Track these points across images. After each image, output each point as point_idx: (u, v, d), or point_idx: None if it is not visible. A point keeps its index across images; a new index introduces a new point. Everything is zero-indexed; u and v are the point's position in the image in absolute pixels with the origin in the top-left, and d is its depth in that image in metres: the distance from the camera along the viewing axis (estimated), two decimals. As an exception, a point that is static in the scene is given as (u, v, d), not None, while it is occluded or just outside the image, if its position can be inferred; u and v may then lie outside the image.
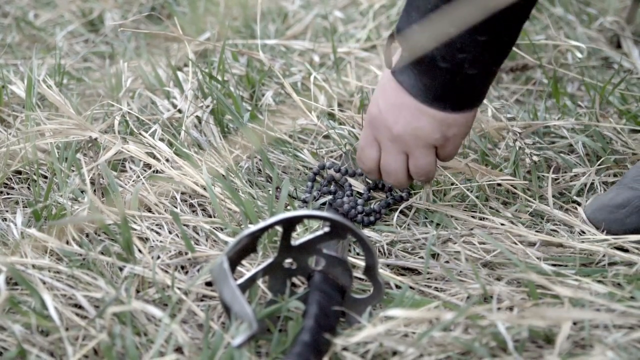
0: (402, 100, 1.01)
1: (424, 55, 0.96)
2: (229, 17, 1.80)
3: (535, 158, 1.21)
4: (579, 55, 1.35)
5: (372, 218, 1.14)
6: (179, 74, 1.40)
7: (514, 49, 1.52)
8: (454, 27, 0.93)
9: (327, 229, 0.92)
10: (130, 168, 1.20)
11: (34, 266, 0.96)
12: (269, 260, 0.94)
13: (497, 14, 0.91)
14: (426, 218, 1.13)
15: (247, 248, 0.91)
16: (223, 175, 1.17)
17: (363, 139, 1.08)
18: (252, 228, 0.89)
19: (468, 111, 1.01)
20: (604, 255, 1.03)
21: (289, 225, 0.92)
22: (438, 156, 1.06)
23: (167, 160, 1.19)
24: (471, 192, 1.17)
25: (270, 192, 1.11)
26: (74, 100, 1.38)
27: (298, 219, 0.92)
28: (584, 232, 1.10)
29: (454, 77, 0.97)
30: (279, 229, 0.94)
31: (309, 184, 1.17)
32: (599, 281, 0.98)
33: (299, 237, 1.01)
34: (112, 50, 1.64)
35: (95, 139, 1.17)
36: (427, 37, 0.95)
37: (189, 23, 1.73)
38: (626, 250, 1.05)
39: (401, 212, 1.15)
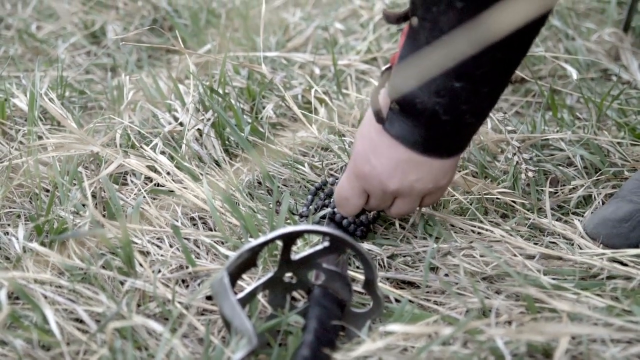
0: (397, 155, 0.99)
1: (423, 109, 0.94)
2: (230, 28, 1.81)
3: (530, 174, 1.22)
4: (574, 76, 1.36)
5: (359, 230, 1.14)
6: (181, 86, 1.41)
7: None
8: (459, 82, 0.91)
9: (326, 244, 0.93)
10: (132, 181, 1.21)
11: (35, 280, 0.97)
12: (269, 275, 0.94)
13: (498, 64, 0.91)
14: (425, 231, 1.14)
15: (247, 262, 0.92)
16: (223, 189, 1.18)
17: (349, 190, 1.05)
18: (253, 243, 0.90)
19: (461, 153, 1.02)
20: (602, 269, 1.03)
21: (289, 239, 0.93)
22: (422, 202, 1.06)
23: (168, 173, 1.20)
24: (471, 204, 1.17)
25: (271, 206, 1.12)
26: (76, 113, 1.39)
27: (298, 234, 0.93)
28: (581, 247, 1.10)
29: (454, 127, 0.96)
30: (279, 243, 0.94)
31: (309, 197, 1.18)
32: (598, 295, 0.99)
33: (299, 251, 1.02)
34: (114, 62, 1.65)
35: (97, 153, 1.18)
36: (428, 94, 0.93)
37: (191, 35, 1.74)
38: (625, 264, 1.05)
39: (400, 225, 1.15)
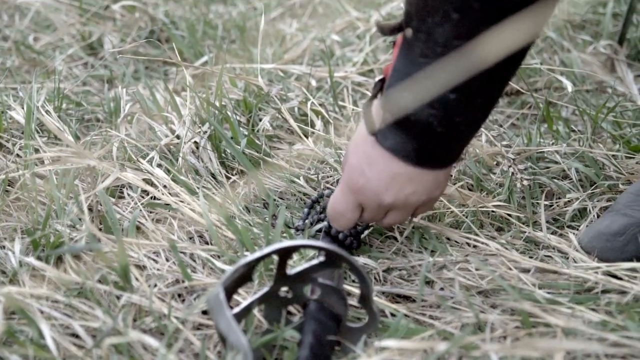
0: (392, 169, 0.98)
1: (417, 120, 0.94)
2: (227, 40, 1.81)
3: (525, 182, 1.22)
4: (570, 89, 1.36)
5: (354, 242, 1.14)
6: (178, 98, 1.41)
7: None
8: (453, 94, 0.91)
9: (322, 259, 0.93)
10: (128, 194, 1.21)
11: (31, 295, 0.97)
12: (265, 289, 0.95)
13: (494, 74, 0.91)
14: (421, 244, 1.14)
15: (243, 277, 0.92)
16: (220, 203, 1.18)
17: (343, 204, 1.04)
18: (248, 258, 0.90)
19: (454, 164, 1.02)
20: (596, 283, 1.03)
21: (285, 254, 0.93)
22: (414, 212, 1.06)
23: (165, 187, 1.20)
24: (466, 217, 1.18)
25: (267, 219, 1.12)
26: (73, 125, 1.39)
27: (294, 249, 0.93)
28: (576, 261, 1.11)
29: (448, 138, 0.96)
30: (275, 257, 0.95)
31: (306, 210, 1.18)
32: (592, 309, 0.99)
33: (295, 265, 1.02)
34: (111, 74, 1.65)
35: (94, 167, 1.18)
36: (422, 105, 0.93)
37: (187, 47, 1.74)
38: (619, 278, 1.06)
39: (394, 237, 1.16)
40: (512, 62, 0.93)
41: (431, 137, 0.95)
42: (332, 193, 1.19)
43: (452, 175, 1.28)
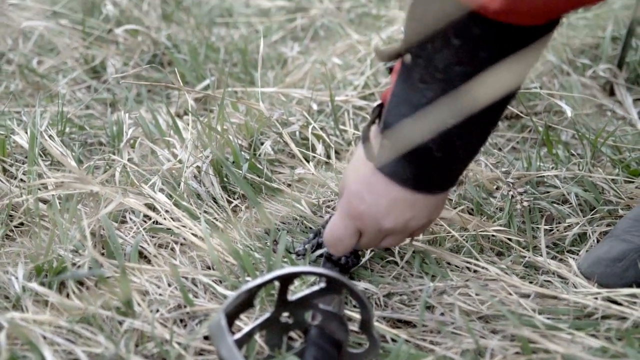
0: (393, 194, 0.98)
1: (417, 146, 0.94)
2: (229, 63, 1.83)
3: (525, 204, 1.23)
4: (569, 114, 1.37)
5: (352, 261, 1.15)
6: (180, 122, 1.43)
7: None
8: (452, 119, 0.91)
9: (323, 285, 0.94)
10: (131, 219, 1.22)
11: (34, 321, 0.97)
12: (266, 315, 0.95)
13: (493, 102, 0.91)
14: (422, 269, 1.15)
15: (244, 303, 0.93)
16: (221, 229, 1.19)
17: (342, 230, 1.04)
18: (250, 284, 0.91)
19: (452, 187, 1.03)
20: (596, 308, 1.04)
21: (286, 280, 0.94)
22: (411, 234, 1.07)
23: (167, 211, 1.21)
24: (466, 241, 1.18)
25: (268, 244, 1.13)
26: (76, 149, 1.40)
27: (295, 275, 0.94)
28: (576, 286, 1.11)
29: (447, 163, 0.97)
30: (276, 283, 0.95)
31: (310, 236, 1.18)
32: (592, 335, 0.99)
33: (296, 291, 1.03)
34: (114, 98, 1.66)
35: (96, 192, 1.19)
36: (421, 130, 0.93)
37: (190, 70, 1.76)
38: (619, 304, 1.06)
39: (395, 262, 1.16)
40: (514, 82, 0.93)
41: (430, 162, 0.96)
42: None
43: (452, 199, 1.28)
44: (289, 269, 0.93)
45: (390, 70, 1.02)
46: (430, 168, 0.96)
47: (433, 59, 0.89)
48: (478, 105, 0.91)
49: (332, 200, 1.30)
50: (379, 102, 1.02)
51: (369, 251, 1.18)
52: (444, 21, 0.86)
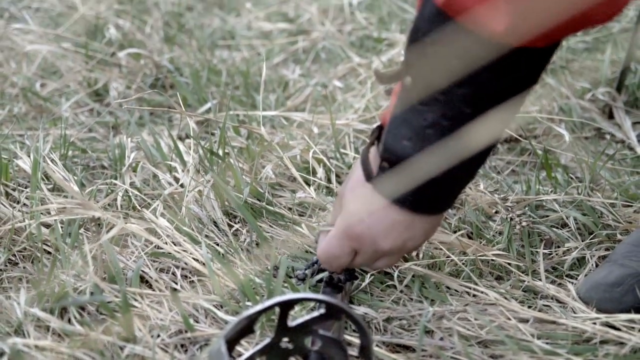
0: (391, 216, 0.98)
1: (417, 169, 0.94)
2: (231, 86, 1.84)
3: (524, 223, 1.24)
4: (567, 138, 1.38)
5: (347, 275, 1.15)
6: (182, 145, 1.44)
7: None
8: (452, 141, 0.91)
9: (322, 311, 0.95)
10: (132, 243, 1.23)
11: (36, 347, 0.98)
12: (266, 341, 0.96)
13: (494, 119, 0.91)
14: (421, 293, 1.16)
15: (245, 329, 0.94)
16: (222, 254, 1.20)
17: (337, 249, 1.04)
18: (250, 311, 0.92)
19: (449, 208, 1.03)
20: (595, 333, 1.04)
21: (286, 306, 0.95)
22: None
23: (168, 236, 1.22)
24: (466, 265, 1.19)
25: (269, 268, 1.14)
26: (79, 173, 1.41)
27: (295, 301, 0.95)
28: (575, 311, 1.12)
29: (447, 184, 0.97)
30: (277, 309, 0.96)
31: (313, 259, 1.18)
32: (590, 360, 1.00)
33: (296, 316, 1.04)
34: (116, 121, 1.68)
35: (98, 218, 1.20)
36: (422, 153, 0.92)
37: (192, 93, 1.77)
38: (618, 329, 1.07)
39: (394, 286, 1.17)
40: (513, 107, 0.93)
41: (430, 184, 0.96)
42: None
43: (451, 224, 1.29)
44: (289, 296, 0.93)
45: (389, 92, 1.02)
46: (430, 190, 0.96)
47: (434, 82, 0.89)
48: (478, 127, 0.91)
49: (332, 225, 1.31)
50: (378, 123, 1.02)
51: (368, 275, 1.19)
52: (444, 43, 0.86)
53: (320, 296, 0.94)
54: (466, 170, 0.97)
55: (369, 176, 1.00)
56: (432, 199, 0.98)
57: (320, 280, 1.16)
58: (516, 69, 0.87)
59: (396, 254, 1.04)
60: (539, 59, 0.88)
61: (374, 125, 1.02)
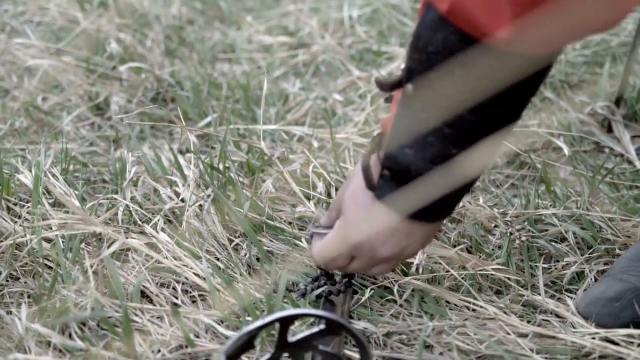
0: (391, 224, 0.98)
1: (417, 176, 0.93)
2: (232, 100, 1.85)
3: (524, 238, 1.24)
4: (566, 152, 1.39)
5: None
6: (182, 159, 1.44)
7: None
8: (455, 149, 0.91)
9: (322, 326, 0.95)
10: (133, 258, 1.23)
11: (37, 362, 0.99)
12: (267, 356, 0.96)
13: (495, 127, 0.91)
14: (421, 308, 1.16)
15: (245, 344, 0.94)
16: (222, 269, 1.20)
17: (334, 253, 1.05)
18: (250, 326, 0.92)
19: (449, 215, 1.03)
20: (594, 349, 1.05)
21: (286, 321, 0.95)
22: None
23: (169, 250, 1.22)
24: (465, 280, 1.20)
25: (269, 283, 1.14)
26: (80, 188, 1.42)
27: (295, 317, 0.95)
28: (574, 326, 1.12)
29: (449, 193, 0.96)
30: (277, 324, 0.96)
31: (316, 274, 1.18)
32: (589, 375, 1.00)
33: (296, 332, 1.04)
34: (117, 135, 1.68)
35: (99, 233, 1.21)
36: (423, 161, 0.92)
37: (192, 106, 1.78)
38: (617, 344, 1.07)
39: (394, 300, 1.17)
40: (514, 114, 0.92)
41: (430, 192, 0.95)
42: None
43: (450, 238, 1.30)
44: (289, 311, 0.94)
45: (389, 100, 1.02)
46: (432, 197, 0.96)
47: (436, 89, 0.89)
48: (480, 133, 0.91)
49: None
50: (378, 131, 1.02)
51: (368, 290, 1.19)
52: (447, 51, 0.86)
53: (320, 312, 0.94)
54: (468, 179, 0.96)
55: (370, 184, 0.99)
56: (432, 207, 0.97)
57: (320, 296, 1.16)
58: (518, 76, 0.87)
59: (394, 260, 1.04)
60: (540, 66, 0.88)
61: (375, 133, 1.01)
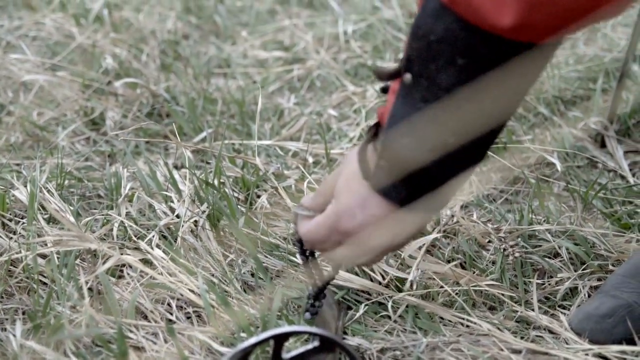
0: (385, 214, 0.96)
1: (415, 168, 0.91)
2: (227, 115, 1.86)
3: (517, 254, 1.25)
4: (559, 168, 1.40)
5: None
6: (177, 174, 1.45)
7: (502, 150, 1.58)
8: (454, 140, 0.88)
9: (316, 343, 0.96)
10: (128, 274, 1.24)
11: (32, 380, 0.99)
12: (261, 373, 0.97)
13: (495, 116, 0.89)
14: (415, 324, 1.16)
15: (239, 361, 0.95)
16: (217, 285, 1.21)
17: (323, 238, 1.01)
18: (245, 344, 0.92)
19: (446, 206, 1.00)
20: (587, 365, 1.05)
21: (281, 338, 0.96)
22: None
23: (164, 267, 1.22)
24: (459, 296, 1.20)
25: (263, 299, 1.14)
26: (75, 203, 1.42)
27: (289, 334, 0.96)
28: (567, 342, 1.13)
29: (447, 185, 0.94)
30: (271, 341, 0.97)
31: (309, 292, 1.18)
32: (582, 392, 1.01)
33: (291, 348, 1.04)
34: (112, 150, 1.69)
35: (94, 250, 1.21)
36: (421, 151, 0.90)
37: (187, 121, 1.78)
38: (609, 360, 1.08)
39: (388, 316, 1.18)
40: (514, 103, 0.91)
41: (428, 183, 0.93)
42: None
43: (444, 253, 1.30)
44: (283, 328, 0.94)
45: (384, 90, 1.00)
46: (427, 189, 0.94)
47: (436, 79, 0.86)
48: (480, 124, 0.89)
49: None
50: (375, 120, 1.00)
51: (362, 305, 1.20)
52: (448, 39, 0.84)
53: (314, 329, 0.95)
54: (465, 169, 0.94)
55: (366, 174, 0.96)
56: (429, 198, 0.95)
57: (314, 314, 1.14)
58: (520, 65, 0.85)
59: (381, 251, 1.01)
60: (543, 55, 0.86)
61: (371, 123, 0.99)
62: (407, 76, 0.89)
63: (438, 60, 0.85)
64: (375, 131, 0.98)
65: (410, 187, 0.94)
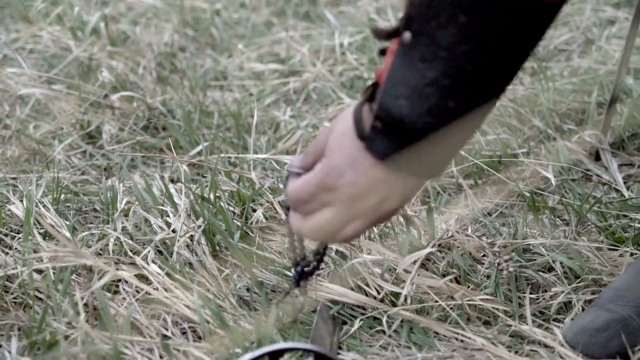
0: (376, 174, 0.91)
1: (412, 129, 0.87)
2: (223, 128, 1.86)
3: (511, 269, 1.25)
4: (554, 182, 1.40)
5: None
6: (173, 188, 1.45)
7: (497, 164, 1.58)
8: (452, 102, 0.85)
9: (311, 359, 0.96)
10: (124, 289, 1.24)
11: (27, 397, 0.99)
12: (256, 389, 0.97)
13: (496, 78, 0.86)
14: (409, 339, 1.17)
15: (234, 378, 0.95)
16: (212, 300, 1.21)
17: (311, 193, 0.96)
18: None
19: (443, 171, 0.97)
20: (581, 380, 1.06)
21: (275, 354, 0.96)
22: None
23: (159, 282, 1.23)
24: (453, 310, 1.20)
25: (259, 313, 1.15)
26: (71, 218, 1.43)
27: (284, 351, 0.96)
28: (562, 356, 1.13)
29: (441, 148, 0.90)
30: (266, 357, 0.97)
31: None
32: (576, 407, 1.01)
33: (285, 364, 1.05)
34: (108, 164, 1.69)
35: (90, 266, 1.22)
36: (419, 114, 0.86)
37: (183, 135, 1.79)
38: (603, 374, 1.08)
39: (383, 331, 1.18)
40: (515, 65, 0.88)
41: (424, 145, 0.89)
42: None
43: (439, 268, 1.31)
44: (278, 345, 0.95)
45: (383, 52, 0.99)
46: (422, 152, 0.90)
47: (436, 37, 0.84)
48: (480, 85, 0.86)
49: (322, 268, 1.32)
50: (373, 80, 0.98)
51: (358, 320, 1.20)
52: None
53: (309, 345, 0.95)
54: (462, 134, 0.91)
55: (360, 134, 0.91)
56: (423, 160, 0.92)
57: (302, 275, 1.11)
58: (524, 25, 0.83)
59: (368, 217, 0.96)
60: (548, 14, 0.84)
61: (370, 83, 0.96)
62: (407, 35, 0.86)
63: (439, 18, 0.83)
64: (372, 91, 0.93)
65: (407, 149, 0.90)
